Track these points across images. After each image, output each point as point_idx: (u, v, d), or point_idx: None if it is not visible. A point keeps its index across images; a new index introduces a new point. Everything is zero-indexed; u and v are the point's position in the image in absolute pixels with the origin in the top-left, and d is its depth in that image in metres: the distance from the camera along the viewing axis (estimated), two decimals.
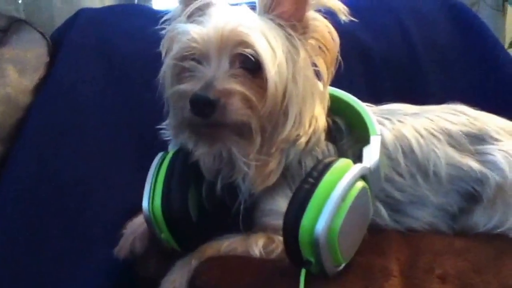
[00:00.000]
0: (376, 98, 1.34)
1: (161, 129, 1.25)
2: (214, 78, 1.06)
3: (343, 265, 1.04)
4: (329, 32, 1.16)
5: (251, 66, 1.09)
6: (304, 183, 1.02)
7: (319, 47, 1.16)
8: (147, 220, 1.15)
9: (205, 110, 1.05)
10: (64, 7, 1.80)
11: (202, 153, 1.15)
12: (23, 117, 1.47)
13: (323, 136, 1.18)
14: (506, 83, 1.79)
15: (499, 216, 1.22)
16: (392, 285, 1.04)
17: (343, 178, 1.01)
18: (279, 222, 1.07)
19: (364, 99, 1.28)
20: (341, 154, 1.18)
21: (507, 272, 1.10)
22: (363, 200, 1.05)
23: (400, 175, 1.22)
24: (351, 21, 1.16)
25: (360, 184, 1.04)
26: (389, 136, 1.22)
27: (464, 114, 1.30)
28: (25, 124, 1.45)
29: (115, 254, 1.24)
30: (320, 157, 1.17)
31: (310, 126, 1.15)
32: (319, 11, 1.16)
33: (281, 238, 1.08)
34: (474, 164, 1.23)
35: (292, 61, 1.11)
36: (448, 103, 1.34)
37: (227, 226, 1.17)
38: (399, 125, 1.25)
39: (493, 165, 1.22)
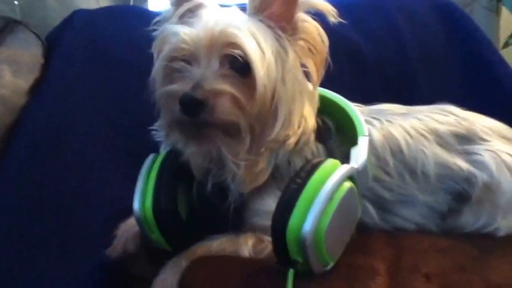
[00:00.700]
0: (366, 98, 1.35)
1: (153, 130, 1.26)
2: (203, 79, 1.08)
3: (331, 264, 1.06)
4: (318, 34, 1.17)
5: (240, 67, 1.10)
6: (292, 183, 1.04)
7: (309, 49, 1.17)
8: (138, 221, 1.17)
9: (194, 110, 1.06)
10: (59, 8, 1.81)
11: (192, 153, 1.16)
12: (19, 118, 1.47)
13: (312, 137, 1.19)
14: (497, 84, 1.80)
15: (486, 216, 1.24)
16: (378, 284, 1.05)
17: (330, 179, 1.03)
18: (268, 222, 1.08)
19: (354, 99, 1.30)
20: (330, 154, 1.20)
21: (492, 271, 1.11)
22: (350, 200, 1.07)
23: (389, 174, 1.23)
24: (342, 23, 1.17)
25: (347, 184, 1.05)
26: (377, 136, 1.23)
27: (453, 114, 1.32)
28: (20, 125, 1.45)
29: (108, 254, 1.25)
30: (309, 157, 1.18)
31: (299, 126, 1.16)
32: (309, 13, 1.17)
33: (269, 238, 1.09)
34: (463, 164, 1.24)
35: (281, 62, 1.13)
36: (437, 103, 1.35)
37: (217, 226, 1.18)
38: (388, 125, 1.26)
39: (481, 165, 1.24)
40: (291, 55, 1.14)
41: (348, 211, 1.07)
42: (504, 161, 1.24)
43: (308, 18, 1.16)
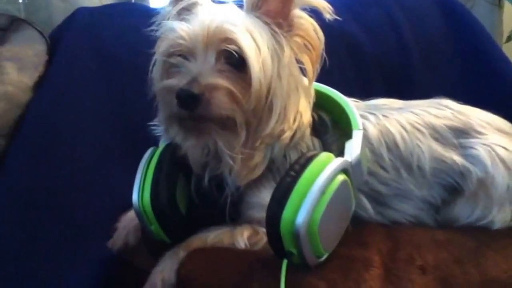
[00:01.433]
0: (367, 92, 1.37)
1: (153, 125, 1.28)
2: (200, 73, 1.10)
3: (325, 256, 1.08)
4: (314, 30, 1.18)
5: (236, 62, 1.12)
6: (286, 176, 1.06)
7: (304, 45, 1.19)
8: (137, 213, 1.19)
9: (190, 104, 1.08)
10: (63, 6, 1.82)
11: (190, 147, 1.19)
12: (23, 114, 1.50)
13: (308, 131, 1.21)
14: (497, 79, 1.80)
15: (481, 209, 1.25)
16: (373, 275, 1.07)
17: (324, 172, 1.04)
18: (264, 214, 1.10)
19: (354, 94, 1.32)
20: (326, 148, 1.21)
21: (487, 263, 1.13)
22: (344, 193, 1.09)
23: (384, 169, 1.25)
24: (342, 16, 1.18)
25: (341, 177, 1.07)
26: (373, 131, 1.25)
27: (449, 108, 1.33)
28: (23, 121, 1.47)
29: (109, 247, 1.28)
30: (305, 151, 1.20)
31: (294, 121, 1.18)
32: (305, 9, 1.19)
33: (265, 230, 1.12)
34: (457, 158, 1.26)
35: (276, 58, 1.14)
36: (434, 98, 1.36)
37: (214, 219, 1.20)
38: (384, 119, 1.28)
39: (475, 159, 1.25)
40: (287, 51, 1.15)
41: (341, 203, 1.09)
42: (499, 155, 1.25)
43: (304, 15, 1.18)
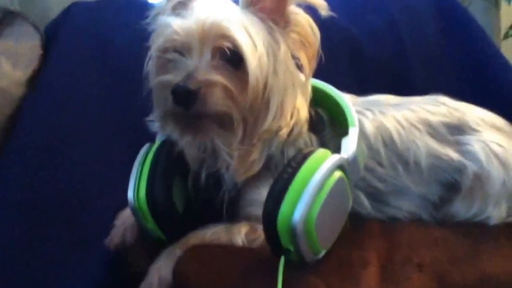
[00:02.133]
0: (363, 90, 1.37)
1: (149, 121, 1.27)
2: (196, 69, 1.09)
3: (322, 253, 1.08)
4: (310, 27, 1.18)
5: (232, 59, 1.12)
6: (283, 173, 1.05)
7: (301, 41, 1.18)
8: (133, 211, 1.18)
9: (186, 100, 1.08)
10: (58, 0, 1.81)
11: (186, 143, 1.18)
12: (17, 109, 1.49)
13: (305, 127, 1.21)
14: (494, 80, 1.79)
15: (478, 205, 1.25)
16: (370, 273, 1.07)
17: (320, 168, 1.04)
18: (261, 212, 1.11)
19: (351, 92, 1.32)
20: (323, 145, 1.21)
21: (484, 262, 1.13)
22: (341, 190, 1.09)
23: (381, 165, 1.25)
24: (340, 15, 1.19)
25: (338, 174, 1.07)
26: (370, 127, 1.25)
27: (445, 104, 1.33)
28: (20, 117, 1.47)
29: (106, 245, 1.27)
30: (302, 147, 1.19)
31: (291, 117, 1.17)
32: (301, 6, 1.18)
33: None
34: (454, 154, 1.26)
35: (273, 54, 1.14)
36: (431, 94, 1.36)
37: (212, 216, 1.20)
38: (380, 116, 1.28)
39: (471, 156, 1.25)
40: (283, 47, 1.15)
41: (339, 200, 1.09)
42: (494, 152, 1.25)
43: (300, 11, 1.17)
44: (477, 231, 1.23)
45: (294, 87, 1.17)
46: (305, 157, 1.07)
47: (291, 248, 1.03)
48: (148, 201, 1.16)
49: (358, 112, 1.24)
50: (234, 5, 1.17)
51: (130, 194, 1.18)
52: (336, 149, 1.15)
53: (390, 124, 1.26)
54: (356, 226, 1.18)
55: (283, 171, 1.06)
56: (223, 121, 1.12)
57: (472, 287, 1.09)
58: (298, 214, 1.00)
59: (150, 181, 1.17)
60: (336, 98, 1.25)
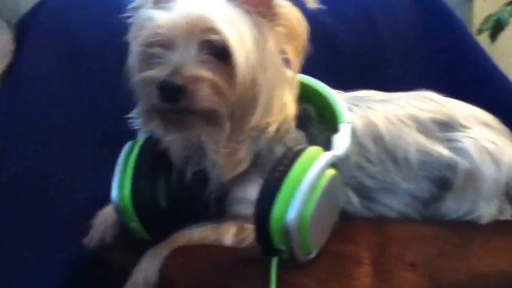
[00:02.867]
0: (342, 84, 1.34)
1: (129, 118, 1.23)
2: (182, 64, 1.05)
3: (314, 253, 1.05)
4: (297, 19, 1.14)
5: (219, 53, 1.08)
6: (274, 171, 1.02)
7: (287, 34, 1.15)
8: (117, 209, 1.15)
9: (173, 96, 1.04)
10: None
11: (171, 141, 1.15)
12: None
13: (293, 124, 1.18)
14: (472, 70, 1.80)
15: (469, 203, 1.24)
16: (363, 272, 1.04)
17: (313, 166, 1.01)
18: (250, 210, 1.07)
19: (330, 85, 1.29)
20: (311, 141, 1.18)
21: (475, 259, 1.11)
22: (334, 188, 1.06)
23: (370, 162, 1.23)
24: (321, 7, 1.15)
25: (331, 172, 1.04)
26: (358, 123, 1.22)
27: (432, 100, 1.32)
28: None
29: (85, 244, 1.23)
30: (290, 144, 1.16)
31: (279, 113, 1.14)
32: None
33: (252, 227, 1.08)
34: (444, 151, 1.24)
35: (260, 48, 1.10)
36: (416, 90, 1.34)
37: (197, 215, 1.16)
38: (368, 111, 1.25)
39: (462, 152, 1.24)
40: (270, 41, 1.12)
41: (331, 198, 1.06)
42: (485, 148, 1.24)
43: (287, 4, 1.14)
44: (467, 228, 1.22)
45: (281, 82, 1.14)
46: (296, 154, 1.03)
47: (283, 248, 1.00)
48: (133, 200, 1.12)
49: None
50: None
51: (114, 193, 1.14)
52: (325, 146, 1.12)
53: (378, 120, 1.24)
54: (345, 223, 1.15)
55: (274, 169, 1.02)
56: (210, 117, 1.08)
57: (464, 285, 1.07)
58: (291, 214, 0.97)
59: (135, 180, 1.13)
60: (324, 93, 1.22)
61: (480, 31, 2.33)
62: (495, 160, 1.24)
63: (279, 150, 1.15)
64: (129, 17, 1.20)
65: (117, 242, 1.23)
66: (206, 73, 1.06)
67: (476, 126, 1.28)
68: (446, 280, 1.06)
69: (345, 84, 1.37)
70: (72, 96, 1.54)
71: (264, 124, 1.13)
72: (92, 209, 1.30)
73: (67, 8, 1.67)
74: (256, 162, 1.15)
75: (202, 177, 1.15)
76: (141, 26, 1.15)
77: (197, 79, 1.05)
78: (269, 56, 1.11)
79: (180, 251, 1.10)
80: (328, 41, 1.74)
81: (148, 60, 1.12)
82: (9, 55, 1.53)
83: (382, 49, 1.78)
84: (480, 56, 1.80)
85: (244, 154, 1.13)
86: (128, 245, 1.22)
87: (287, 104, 1.16)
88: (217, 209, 1.16)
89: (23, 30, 1.60)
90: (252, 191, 1.10)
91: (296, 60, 1.16)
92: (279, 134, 1.15)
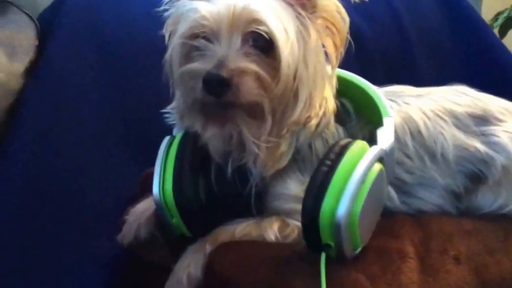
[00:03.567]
0: (367, 79, 1.33)
1: (165, 113, 1.22)
2: (226, 57, 1.04)
3: (360, 248, 1.04)
4: (338, 12, 1.13)
5: (263, 45, 1.07)
6: (321, 166, 1.01)
7: (328, 27, 1.14)
8: (158, 206, 1.13)
9: (218, 89, 1.02)
10: None
11: (211, 136, 1.13)
12: (16, 102, 1.42)
13: (332, 119, 1.17)
14: (494, 66, 1.80)
15: (504, 197, 1.23)
16: (409, 267, 1.04)
17: (362, 160, 1.00)
18: (291, 205, 1.08)
19: None
20: (350, 136, 1.17)
21: None
22: (381, 183, 1.05)
23: (408, 157, 1.22)
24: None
25: (378, 166, 1.03)
26: (397, 118, 1.20)
27: (467, 95, 1.30)
28: (18, 109, 1.40)
29: (119, 241, 1.23)
30: (330, 139, 1.16)
31: (320, 108, 1.13)
32: None
33: (295, 222, 1.08)
34: (480, 146, 1.23)
35: (303, 42, 1.09)
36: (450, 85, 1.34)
37: (236, 210, 1.15)
38: (406, 107, 1.24)
39: (498, 147, 1.23)
40: (313, 34, 1.10)
41: (378, 193, 1.05)
42: None
43: None
44: (505, 221, 1.21)
45: (323, 77, 1.13)
46: (343, 149, 1.02)
47: (332, 243, 0.99)
48: (175, 196, 1.10)
49: None
50: None
51: (156, 189, 1.12)
52: (365, 140, 1.11)
53: (416, 115, 1.23)
54: (385, 218, 1.13)
55: (321, 163, 1.01)
56: (254, 111, 1.07)
57: (508, 279, 1.07)
58: (342, 209, 0.96)
59: (176, 176, 1.12)
60: (364, 87, 1.21)
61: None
62: None
63: (318, 145, 1.15)
64: (164, 10, 1.19)
65: (151, 238, 1.22)
66: (251, 65, 1.04)
67: (511, 119, 1.27)
68: (491, 274, 1.07)
69: (369, 77, 1.36)
70: (99, 92, 1.53)
71: (306, 119, 1.11)
72: (124, 206, 1.30)
73: (90, 4, 1.65)
74: (295, 157, 1.14)
75: (242, 173, 1.14)
76: (180, 18, 1.13)
77: (242, 72, 1.03)
78: (312, 49, 1.10)
79: (227, 247, 1.08)
80: (355, 38, 1.73)
81: (189, 53, 1.11)
82: (33, 50, 1.51)
83: (410, 48, 1.80)
84: (503, 52, 1.80)
85: (286, 149, 1.12)
86: (163, 242, 1.21)
87: (328, 99, 1.15)
88: (256, 204, 1.14)
89: (45, 25, 1.58)
90: (292, 186, 1.11)
91: (336, 53, 1.15)
92: (318, 129, 1.15)
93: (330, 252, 1.00)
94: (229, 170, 1.14)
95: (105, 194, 1.38)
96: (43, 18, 1.63)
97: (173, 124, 1.23)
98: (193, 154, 1.14)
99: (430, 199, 1.24)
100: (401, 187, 1.22)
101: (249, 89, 1.04)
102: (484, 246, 1.12)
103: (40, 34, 1.55)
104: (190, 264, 1.08)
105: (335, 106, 1.17)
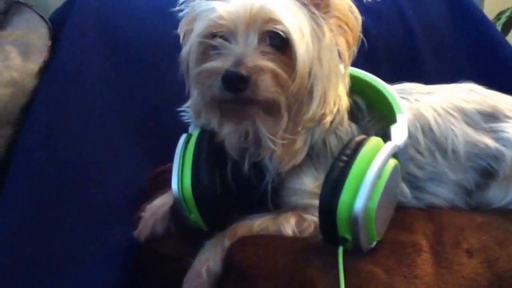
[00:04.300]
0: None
1: (181, 111, 1.25)
2: (244, 55, 1.06)
3: (375, 241, 1.06)
4: (350, 11, 1.16)
5: (279, 44, 1.09)
6: (337, 161, 1.03)
7: (340, 26, 1.16)
8: (177, 201, 1.15)
9: (237, 86, 1.05)
10: None
11: (228, 133, 1.15)
12: (30, 101, 1.44)
13: (346, 116, 1.19)
14: (499, 65, 1.82)
15: None
16: (424, 260, 1.06)
17: (378, 156, 1.03)
18: (307, 201, 1.10)
19: None
20: (363, 133, 1.19)
21: None
22: (395, 178, 1.08)
23: (420, 153, 1.24)
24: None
25: (393, 161, 1.05)
26: (408, 115, 1.23)
27: (476, 92, 1.33)
28: (32, 108, 1.42)
29: (136, 237, 1.25)
30: (344, 136, 1.18)
31: (334, 105, 1.16)
32: None
33: (311, 217, 1.11)
34: (490, 142, 1.25)
35: (317, 40, 1.12)
36: (459, 82, 1.36)
37: (252, 206, 1.17)
38: (417, 104, 1.27)
39: (508, 142, 1.25)
40: (327, 33, 1.13)
41: (393, 188, 1.08)
42: None
43: None
44: None
45: (336, 75, 1.15)
46: (359, 144, 1.05)
47: (349, 237, 1.01)
48: (194, 191, 1.12)
49: None
50: None
51: (175, 185, 1.14)
52: (378, 137, 1.13)
53: (427, 112, 1.25)
54: (398, 212, 1.16)
55: (337, 159, 1.04)
56: (270, 108, 1.10)
57: None
58: (359, 204, 0.99)
59: (194, 172, 1.14)
60: (376, 85, 1.23)
61: None
62: None
63: (333, 142, 1.17)
64: (179, 10, 1.21)
65: (168, 233, 1.24)
66: (268, 63, 1.07)
67: None
68: (503, 267, 1.09)
69: (377, 74, 1.38)
70: (111, 89, 1.55)
71: (320, 116, 1.14)
72: (133, 200, 1.34)
73: (100, 3, 1.67)
74: (310, 153, 1.17)
75: (259, 169, 1.16)
76: (195, 18, 1.16)
77: (260, 70, 1.06)
78: (326, 47, 1.13)
79: (244, 241, 1.11)
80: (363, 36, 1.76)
81: (206, 51, 1.13)
82: (46, 50, 1.52)
83: (413, 43, 1.82)
84: (507, 50, 1.82)
85: (301, 145, 1.15)
86: (178, 236, 1.24)
87: (341, 96, 1.17)
88: (273, 200, 1.17)
89: (57, 25, 1.59)
90: (307, 182, 1.14)
91: (349, 52, 1.18)
92: (332, 126, 1.17)
93: (346, 245, 1.02)
94: (246, 166, 1.16)
95: (115, 187, 1.41)
96: (54, 18, 1.64)
97: (189, 122, 1.25)
98: (210, 151, 1.16)
99: (442, 194, 1.26)
100: (413, 182, 1.24)
101: (266, 86, 1.06)
102: (494, 239, 1.14)
103: (52, 34, 1.56)
104: (209, 258, 1.10)
105: (348, 104, 1.19)
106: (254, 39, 1.09)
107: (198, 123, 1.22)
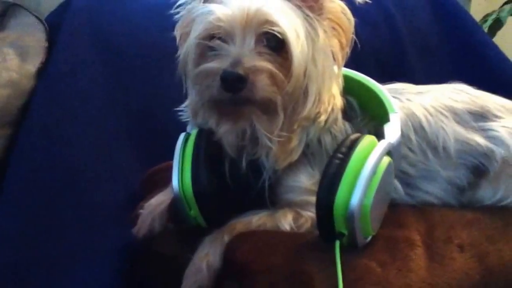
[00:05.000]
0: None
1: (179, 110, 1.27)
2: (242, 56, 1.09)
3: (370, 236, 1.09)
4: (343, 13, 1.19)
5: (275, 45, 1.12)
6: (333, 159, 1.06)
7: (334, 28, 1.19)
8: (177, 198, 1.18)
9: (235, 86, 1.08)
10: None
11: (225, 131, 1.18)
12: (28, 102, 1.46)
13: (340, 115, 1.22)
14: (486, 66, 1.85)
15: (504, 189, 1.28)
16: (417, 254, 1.10)
17: (373, 153, 1.06)
18: (303, 197, 1.14)
19: None
20: (356, 131, 1.22)
21: None
22: (389, 175, 1.11)
23: (412, 151, 1.27)
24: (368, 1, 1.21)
25: (387, 159, 1.08)
26: (400, 114, 1.26)
27: (466, 92, 1.36)
28: (29, 109, 1.44)
29: (134, 234, 1.27)
30: (338, 134, 1.21)
31: (328, 104, 1.19)
32: None
33: (308, 213, 1.14)
34: (480, 139, 1.28)
35: (311, 42, 1.15)
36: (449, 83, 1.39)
37: (249, 202, 1.20)
38: (408, 103, 1.30)
39: (498, 141, 1.28)
40: (321, 34, 1.16)
41: (387, 184, 1.11)
42: None
43: None
44: (503, 212, 1.27)
45: (330, 75, 1.19)
46: (354, 142, 1.08)
47: (345, 232, 1.04)
48: (193, 188, 1.15)
49: None
50: None
51: (175, 182, 1.17)
52: (372, 135, 1.16)
53: (418, 111, 1.28)
54: (391, 209, 1.19)
55: (333, 156, 1.07)
56: (267, 107, 1.12)
57: (509, 266, 1.14)
58: (355, 200, 1.02)
59: (194, 169, 1.16)
60: (369, 85, 1.26)
61: None
62: None
63: (327, 140, 1.21)
64: (176, 13, 1.24)
65: (166, 231, 1.26)
66: (265, 64, 1.10)
67: (508, 116, 1.33)
68: (493, 261, 1.13)
69: None
70: (106, 91, 1.58)
71: (315, 115, 1.17)
72: (129, 199, 1.37)
73: (95, 5, 1.70)
74: (305, 151, 1.20)
75: (256, 166, 1.19)
76: (193, 21, 1.18)
77: (257, 70, 1.09)
78: (320, 48, 1.16)
79: (243, 237, 1.13)
80: None
81: (204, 53, 1.16)
82: (43, 51, 1.55)
83: (402, 49, 1.85)
84: (493, 49, 1.85)
85: (297, 143, 1.18)
86: (175, 233, 1.27)
87: (335, 96, 1.20)
88: (270, 197, 1.20)
89: (52, 27, 1.61)
90: (302, 179, 1.17)
91: (342, 53, 1.21)
92: (327, 125, 1.20)
93: (343, 240, 1.05)
94: (243, 164, 1.19)
95: (111, 187, 1.44)
96: (51, 20, 1.66)
97: (187, 121, 1.27)
98: (209, 149, 1.19)
99: (433, 191, 1.29)
100: (406, 180, 1.27)
101: (263, 86, 1.09)
102: (484, 235, 1.18)
103: (49, 36, 1.58)
104: (209, 253, 1.12)
105: (342, 103, 1.22)
106: (251, 41, 1.12)
107: (195, 122, 1.24)
